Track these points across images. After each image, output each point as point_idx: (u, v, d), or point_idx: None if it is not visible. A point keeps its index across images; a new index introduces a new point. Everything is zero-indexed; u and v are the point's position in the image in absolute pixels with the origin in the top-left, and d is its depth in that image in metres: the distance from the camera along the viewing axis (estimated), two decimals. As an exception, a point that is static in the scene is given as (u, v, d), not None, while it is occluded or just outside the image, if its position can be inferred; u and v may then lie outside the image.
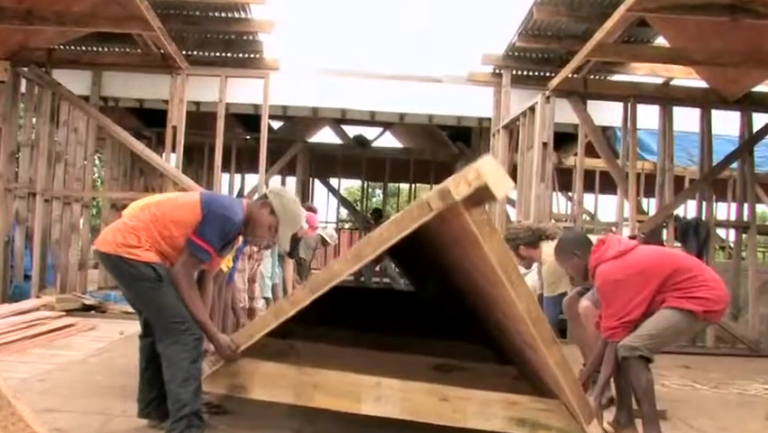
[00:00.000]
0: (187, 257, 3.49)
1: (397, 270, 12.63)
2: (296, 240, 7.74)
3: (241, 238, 3.88)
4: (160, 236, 3.51)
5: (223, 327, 4.77)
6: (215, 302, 4.57)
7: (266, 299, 6.56)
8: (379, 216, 13.95)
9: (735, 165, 8.45)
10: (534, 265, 6.03)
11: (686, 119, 8.56)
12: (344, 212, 18.08)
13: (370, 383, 3.52)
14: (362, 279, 12.89)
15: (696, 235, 8.00)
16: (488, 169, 2.86)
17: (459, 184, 2.89)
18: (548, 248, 5.28)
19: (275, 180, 12.96)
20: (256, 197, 4.53)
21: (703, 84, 8.38)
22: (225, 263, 4.54)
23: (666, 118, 8.17)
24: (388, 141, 15.57)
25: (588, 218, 11.37)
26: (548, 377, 3.44)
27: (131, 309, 4.29)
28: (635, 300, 3.80)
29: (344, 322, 5.61)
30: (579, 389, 3.38)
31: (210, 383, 3.60)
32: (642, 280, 3.82)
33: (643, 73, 8.95)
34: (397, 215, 3.25)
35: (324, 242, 10.25)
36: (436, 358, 4.42)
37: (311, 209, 8.32)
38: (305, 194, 14.33)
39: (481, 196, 2.92)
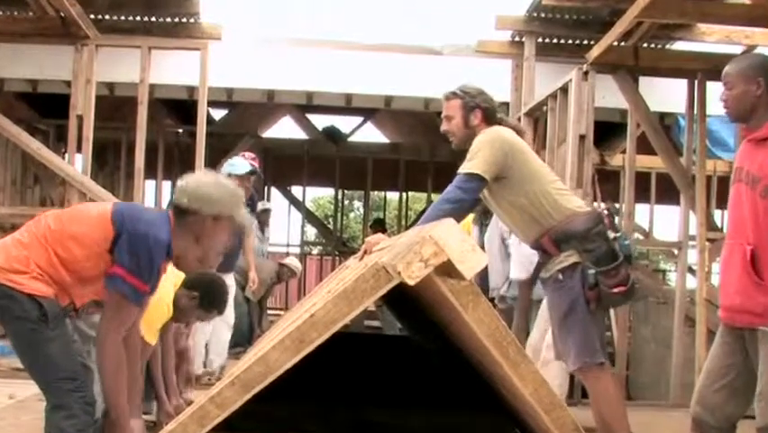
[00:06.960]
0: (116, 306, 3.46)
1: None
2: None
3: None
4: (58, 258, 3.46)
5: None
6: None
7: None
8: (382, 229, 13.92)
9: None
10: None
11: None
12: (312, 231, 18.04)
13: None
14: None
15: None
16: (449, 241, 2.85)
17: (411, 264, 2.85)
18: None
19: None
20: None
21: (795, 54, 8.42)
22: (152, 336, 4.49)
23: (746, 101, 8.18)
24: (371, 134, 15.61)
25: (641, 237, 11.39)
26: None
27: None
28: None
29: (318, 386, 5.57)
30: None
31: None
32: None
33: (715, 40, 8.92)
34: (347, 284, 3.21)
35: (279, 276, 10.25)
36: None
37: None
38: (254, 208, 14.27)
39: (446, 271, 2.92)
